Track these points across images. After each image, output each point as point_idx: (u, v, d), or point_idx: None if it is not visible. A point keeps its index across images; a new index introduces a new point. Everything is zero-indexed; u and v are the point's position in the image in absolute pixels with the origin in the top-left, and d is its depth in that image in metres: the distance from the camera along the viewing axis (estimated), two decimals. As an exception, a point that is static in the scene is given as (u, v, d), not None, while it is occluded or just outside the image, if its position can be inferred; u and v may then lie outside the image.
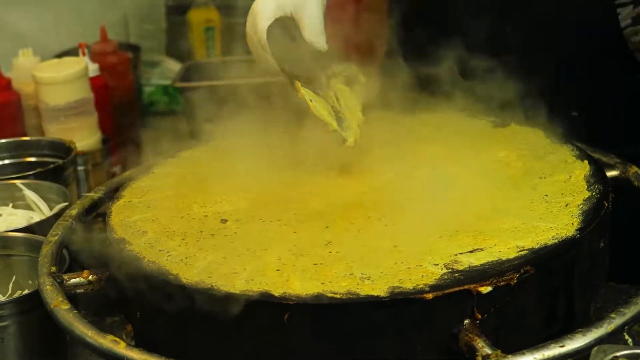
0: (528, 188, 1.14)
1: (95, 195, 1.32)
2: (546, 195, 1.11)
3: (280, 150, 1.30)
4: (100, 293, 1.18)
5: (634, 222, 1.36)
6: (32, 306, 1.11)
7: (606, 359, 0.85)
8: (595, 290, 1.11)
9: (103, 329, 0.99)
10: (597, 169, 1.17)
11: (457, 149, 1.27)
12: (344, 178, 1.21)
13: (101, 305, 1.25)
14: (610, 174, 1.23)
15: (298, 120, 1.36)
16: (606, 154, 1.31)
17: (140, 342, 1.13)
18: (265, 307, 0.94)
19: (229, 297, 0.95)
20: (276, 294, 0.94)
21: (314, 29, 1.20)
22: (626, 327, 0.94)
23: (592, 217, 1.05)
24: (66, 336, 1.03)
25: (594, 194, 1.10)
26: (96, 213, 1.29)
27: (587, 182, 1.13)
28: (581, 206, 1.07)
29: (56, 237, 1.19)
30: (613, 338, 0.93)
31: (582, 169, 1.17)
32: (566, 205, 1.08)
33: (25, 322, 1.12)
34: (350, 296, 0.93)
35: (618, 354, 0.85)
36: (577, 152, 1.22)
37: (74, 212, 1.27)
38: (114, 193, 1.28)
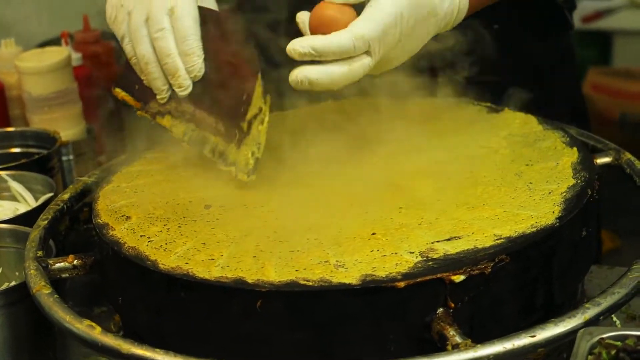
0: (513, 175, 1.13)
1: (88, 179, 1.33)
2: (530, 183, 1.10)
3: (274, 135, 1.30)
4: (87, 281, 1.19)
5: None
6: (19, 298, 1.11)
7: (592, 341, 0.83)
8: (579, 279, 1.10)
9: (91, 319, 0.99)
10: (585, 156, 1.15)
11: (446, 135, 1.26)
12: (329, 165, 1.21)
13: (89, 296, 1.25)
14: (603, 160, 1.22)
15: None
16: (600, 140, 1.30)
17: (127, 331, 1.15)
18: (238, 293, 0.94)
19: (202, 284, 0.96)
20: (249, 281, 0.95)
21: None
22: (601, 317, 0.93)
23: (574, 205, 1.04)
24: (54, 327, 1.03)
25: (579, 181, 1.09)
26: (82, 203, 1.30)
27: (574, 169, 1.12)
28: (564, 194, 1.06)
29: (45, 222, 1.20)
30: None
31: (571, 156, 1.16)
32: (549, 193, 1.07)
33: (13, 314, 1.12)
34: (323, 284, 0.93)
35: (604, 335, 0.83)
36: (568, 139, 1.21)
37: (65, 196, 1.28)
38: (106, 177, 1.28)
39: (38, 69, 1.62)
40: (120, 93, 1.26)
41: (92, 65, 1.78)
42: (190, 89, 1.17)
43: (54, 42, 1.85)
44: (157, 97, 1.20)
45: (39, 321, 1.10)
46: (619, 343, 0.83)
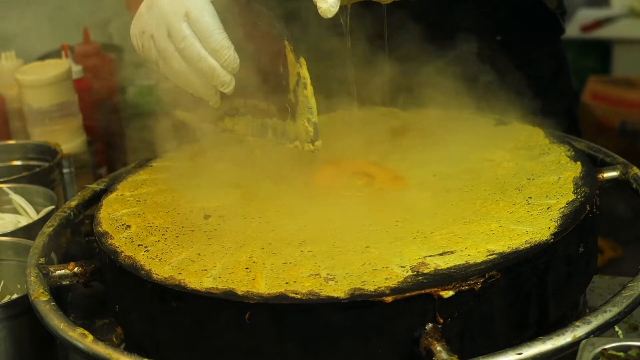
0: (513, 189, 1.12)
1: (97, 187, 1.34)
2: (529, 198, 1.09)
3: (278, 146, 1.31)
4: (90, 294, 1.20)
5: None
6: (21, 310, 1.12)
7: (595, 352, 0.82)
8: (576, 295, 1.09)
9: (92, 331, 0.99)
10: (588, 171, 1.14)
11: (451, 148, 1.25)
12: (331, 175, 1.20)
13: (91, 308, 1.26)
14: (610, 174, 1.20)
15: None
16: (609, 153, 1.28)
17: (129, 343, 1.15)
18: (227, 305, 0.95)
19: (193, 294, 0.96)
20: (239, 293, 0.95)
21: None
22: (592, 336, 0.92)
23: (570, 221, 1.03)
24: (56, 340, 1.04)
25: (578, 197, 1.08)
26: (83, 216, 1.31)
27: (575, 184, 1.11)
28: (562, 210, 1.05)
29: (51, 229, 1.21)
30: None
31: (574, 170, 1.15)
32: (547, 208, 1.06)
33: (15, 326, 1.12)
34: (311, 297, 0.93)
35: (607, 346, 0.83)
36: (573, 153, 1.20)
37: (73, 203, 1.29)
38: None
39: (38, 81, 1.62)
40: (181, 115, 1.27)
41: (93, 78, 1.78)
42: (233, 83, 1.14)
43: (54, 54, 1.85)
44: (210, 103, 1.19)
45: (41, 334, 1.09)
46: (621, 354, 0.82)
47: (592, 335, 0.92)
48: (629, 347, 0.82)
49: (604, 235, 1.32)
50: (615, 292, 0.97)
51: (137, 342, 1.07)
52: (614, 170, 1.21)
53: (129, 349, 1.01)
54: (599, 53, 3.70)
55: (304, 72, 1.09)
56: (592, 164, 1.18)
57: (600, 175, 1.18)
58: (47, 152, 1.56)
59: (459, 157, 1.22)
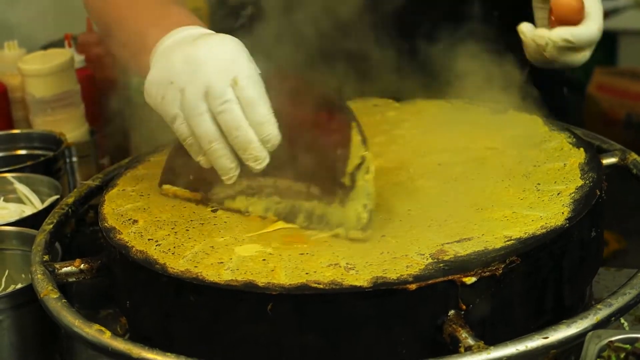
0: (521, 176, 1.13)
1: (92, 183, 1.32)
2: (538, 184, 1.10)
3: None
4: (94, 284, 1.19)
5: None
6: (26, 300, 1.11)
7: (601, 344, 0.83)
8: (588, 281, 1.10)
9: (97, 321, 0.99)
10: (593, 157, 1.15)
11: (451, 137, 1.25)
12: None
13: (95, 298, 1.25)
14: (609, 161, 1.22)
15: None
16: (606, 140, 1.30)
17: (134, 334, 1.14)
18: (248, 297, 0.94)
19: (212, 287, 0.95)
20: (260, 284, 0.94)
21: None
22: (612, 319, 0.93)
23: (582, 206, 1.04)
24: (61, 330, 1.02)
25: (587, 182, 1.09)
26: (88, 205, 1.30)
27: (582, 170, 1.12)
28: (573, 195, 1.06)
29: (51, 226, 1.19)
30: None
31: (578, 156, 1.16)
32: (558, 194, 1.07)
33: (20, 316, 1.11)
34: (334, 286, 0.93)
35: (613, 338, 0.83)
36: (574, 140, 1.21)
37: (70, 200, 1.27)
38: (110, 181, 1.28)
39: (41, 71, 1.61)
40: (170, 189, 1.16)
41: (95, 68, 1.77)
42: (267, 160, 1.06)
43: (57, 44, 1.85)
44: (223, 177, 1.08)
45: (45, 324, 1.09)
46: (628, 346, 0.83)
47: (612, 318, 0.93)
48: (636, 340, 0.83)
49: (608, 227, 1.33)
50: (621, 283, 0.97)
51: (149, 338, 1.05)
52: (612, 156, 1.23)
53: (134, 340, 0.99)
54: (605, 44, 3.71)
55: (369, 156, 1.03)
56: (594, 149, 1.20)
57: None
58: (52, 141, 1.55)
59: (461, 147, 1.23)
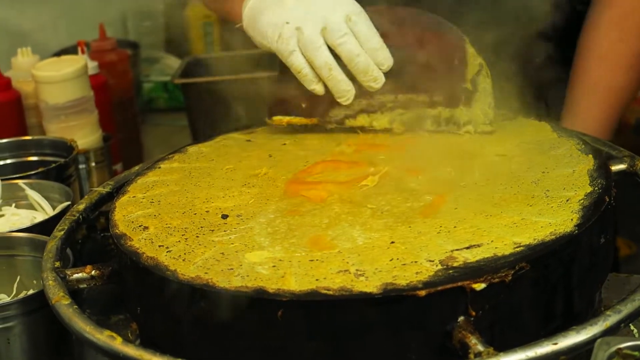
0: (530, 183, 1.13)
1: (103, 190, 1.33)
2: (547, 190, 1.10)
3: (286, 145, 1.31)
4: (104, 290, 1.19)
5: None
6: (37, 306, 1.11)
7: (610, 351, 0.83)
8: (597, 287, 1.10)
9: (108, 327, 0.99)
10: (601, 163, 1.16)
11: (460, 143, 1.26)
12: (347, 171, 1.21)
13: (106, 304, 1.25)
14: (618, 167, 1.22)
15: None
16: (615, 147, 1.30)
17: (145, 340, 1.15)
18: (259, 303, 0.94)
19: (223, 293, 0.96)
20: (270, 290, 0.95)
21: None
22: (622, 325, 0.93)
23: (592, 212, 1.04)
24: (72, 336, 1.03)
25: (596, 188, 1.09)
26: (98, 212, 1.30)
27: (590, 176, 1.12)
28: (582, 201, 1.06)
29: (62, 232, 1.20)
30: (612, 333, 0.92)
31: (587, 163, 1.16)
32: (567, 200, 1.07)
33: (31, 322, 1.12)
34: (344, 293, 0.93)
35: (622, 345, 0.83)
36: (583, 146, 1.21)
37: (81, 207, 1.28)
38: (121, 188, 1.28)
39: (54, 77, 1.62)
40: (283, 119, 1.30)
41: (108, 74, 1.78)
42: (383, 80, 1.26)
43: (71, 50, 1.86)
44: (341, 99, 1.26)
45: (56, 330, 1.10)
46: (636, 353, 0.82)
47: (622, 325, 0.93)
48: None
49: (618, 232, 1.34)
50: (631, 290, 0.96)
51: (160, 344, 1.06)
52: (621, 163, 1.23)
53: (145, 345, 0.99)
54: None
55: (484, 64, 1.25)
56: (603, 156, 1.20)
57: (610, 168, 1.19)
58: (63, 148, 1.55)
59: (469, 153, 1.23)
